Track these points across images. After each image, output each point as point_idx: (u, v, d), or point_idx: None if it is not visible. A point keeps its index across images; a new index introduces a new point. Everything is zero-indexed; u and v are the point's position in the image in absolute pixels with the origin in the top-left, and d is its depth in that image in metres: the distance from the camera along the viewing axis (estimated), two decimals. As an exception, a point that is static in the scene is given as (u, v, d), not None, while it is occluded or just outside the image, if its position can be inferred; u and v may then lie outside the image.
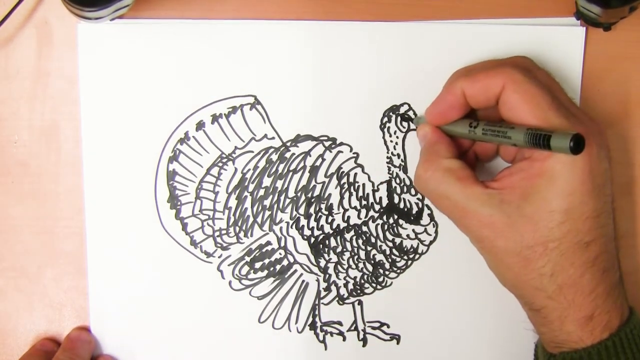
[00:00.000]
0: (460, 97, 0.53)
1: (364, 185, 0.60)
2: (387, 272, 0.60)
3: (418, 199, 0.59)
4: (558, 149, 0.46)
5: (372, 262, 0.60)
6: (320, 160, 0.59)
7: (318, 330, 0.61)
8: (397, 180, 0.59)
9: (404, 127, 0.59)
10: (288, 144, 0.59)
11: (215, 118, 0.59)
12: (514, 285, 0.52)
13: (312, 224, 0.60)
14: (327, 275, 0.60)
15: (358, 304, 0.61)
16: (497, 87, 0.51)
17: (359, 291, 0.60)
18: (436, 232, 0.60)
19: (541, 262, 0.50)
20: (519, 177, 0.50)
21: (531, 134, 0.48)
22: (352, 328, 0.61)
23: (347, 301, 0.61)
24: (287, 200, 0.60)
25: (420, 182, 0.54)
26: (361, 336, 0.61)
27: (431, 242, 0.60)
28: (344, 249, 0.60)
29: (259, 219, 0.60)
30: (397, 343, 0.61)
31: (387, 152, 0.59)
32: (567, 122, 0.49)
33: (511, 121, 0.51)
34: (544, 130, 0.47)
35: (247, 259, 0.60)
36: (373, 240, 0.60)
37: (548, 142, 0.46)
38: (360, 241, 0.60)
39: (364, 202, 0.60)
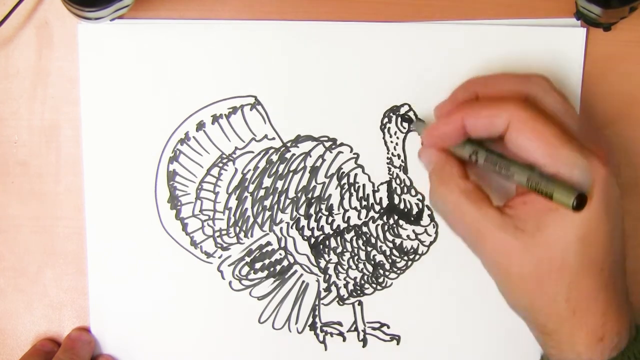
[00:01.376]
0: (460, 127, 0.52)
1: (364, 185, 0.60)
2: (387, 273, 0.60)
3: (418, 199, 0.59)
4: (560, 203, 0.47)
5: (372, 262, 0.60)
6: (320, 160, 0.59)
7: (318, 331, 0.61)
8: (398, 181, 0.59)
9: (404, 128, 0.59)
10: (288, 144, 0.59)
11: (215, 118, 0.59)
12: (527, 310, 0.52)
13: (313, 224, 0.60)
14: (327, 276, 0.60)
15: (358, 305, 0.61)
16: (501, 125, 0.50)
17: (359, 292, 0.60)
18: (436, 232, 0.60)
19: (557, 288, 0.50)
20: (533, 208, 0.50)
21: (533, 185, 0.48)
22: (352, 328, 0.61)
23: (347, 302, 0.61)
24: (288, 201, 0.60)
25: (436, 204, 0.53)
26: (361, 337, 0.61)
27: (431, 243, 0.60)
28: (344, 250, 0.60)
29: (259, 220, 0.60)
30: (397, 344, 0.61)
31: (388, 153, 0.59)
32: (581, 155, 0.49)
33: (519, 156, 0.50)
34: (545, 183, 0.48)
35: (247, 259, 0.60)
36: (373, 240, 0.60)
37: (550, 196, 0.47)
38: (360, 242, 0.60)
39: (364, 203, 0.60)
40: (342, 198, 0.60)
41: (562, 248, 0.49)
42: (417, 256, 0.60)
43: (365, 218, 0.60)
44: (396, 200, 0.59)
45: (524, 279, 0.50)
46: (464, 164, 0.54)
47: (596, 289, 0.50)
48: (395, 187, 0.59)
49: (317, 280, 0.60)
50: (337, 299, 0.61)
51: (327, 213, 0.60)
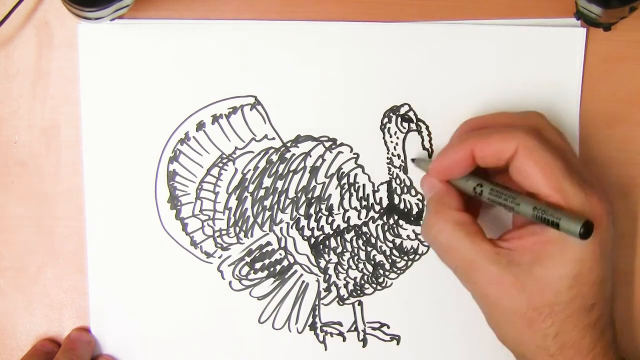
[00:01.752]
0: (469, 156, 0.52)
1: (364, 185, 0.60)
2: (387, 273, 0.60)
3: (418, 199, 0.59)
4: (566, 232, 0.47)
5: (372, 262, 0.60)
6: (320, 160, 0.59)
7: (318, 331, 0.61)
8: (398, 181, 0.59)
9: (404, 128, 0.59)
10: (288, 144, 0.59)
11: (215, 118, 0.59)
12: (515, 343, 0.53)
13: (313, 224, 0.60)
14: (327, 276, 0.60)
15: (358, 305, 0.61)
16: (509, 151, 0.50)
17: (359, 292, 0.60)
18: (436, 232, 0.60)
19: (546, 324, 0.50)
20: (529, 241, 0.50)
21: (539, 215, 0.48)
22: (352, 328, 0.61)
23: (347, 302, 0.61)
24: (288, 201, 0.60)
25: (429, 234, 0.53)
26: (361, 337, 0.61)
27: (431, 243, 0.60)
28: (344, 250, 0.60)
29: (259, 220, 0.60)
30: (397, 344, 0.61)
31: (388, 153, 0.59)
32: (581, 191, 0.49)
33: (523, 186, 0.51)
34: (552, 211, 0.47)
35: (247, 259, 0.60)
36: (373, 240, 0.60)
37: (557, 225, 0.47)
38: (360, 242, 0.60)
39: (364, 203, 0.60)
40: (342, 198, 0.60)
41: (555, 284, 0.49)
42: (417, 256, 0.60)
43: (365, 218, 0.60)
44: (396, 200, 0.59)
45: (515, 312, 0.51)
46: (463, 198, 0.54)
47: (585, 327, 0.50)
48: (395, 187, 0.59)
49: (317, 280, 0.60)
50: (337, 299, 0.61)
51: (327, 213, 0.60)
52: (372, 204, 0.60)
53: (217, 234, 0.60)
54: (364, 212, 0.60)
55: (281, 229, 0.60)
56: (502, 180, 0.53)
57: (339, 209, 0.60)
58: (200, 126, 0.59)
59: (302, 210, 0.60)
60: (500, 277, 0.50)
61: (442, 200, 0.54)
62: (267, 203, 0.60)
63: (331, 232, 0.60)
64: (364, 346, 0.61)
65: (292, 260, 0.60)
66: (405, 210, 0.59)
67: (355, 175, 0.59)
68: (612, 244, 0.52)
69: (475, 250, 0.51)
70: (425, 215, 0.55)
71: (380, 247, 0.60)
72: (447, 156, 0.54)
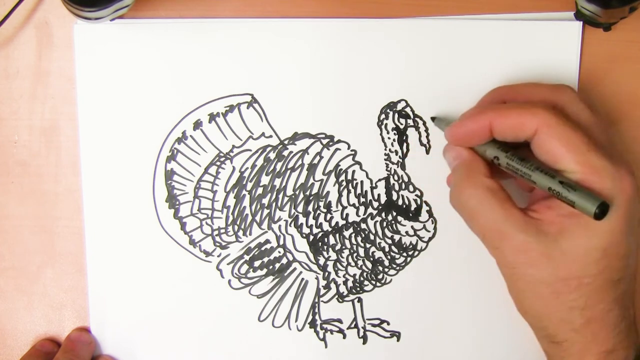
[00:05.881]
0: (486, 128, 0.52)
1: (362, 182, 0.60)
2: (386, 269, 0.60)
3: (416, 195, 0.59)
4: (581, 211, 0.47)
5: (372, 259, 0.60)
6: (318, 157, 0.59)
7: (318, 328, 0.60)
8: (396, 177, 0.59)
9: (401, 124, 0.59)
10: (286, 142, 0.59)
11: (212, 117, 0.59)
12: (539, 315, 0.52)
13: (311, 221, 0.60)
14: (327, 273, 0.60)
15: (358, 302, 0.60)
16: (530, 130, 0.50)
17: (358, 289, 0.60)
18: (435, 228, 0.60)
19: (573, 296, 0.49)
20: (557, 213, 0.50)
21: (555, 192, 0.48)
22: (352, 326, 0.60)
23: (346, 299, 0.60)
24: (286, 199, 0.60)
25: (458, 199, 0.52)
26: (361, 334, 0.60)
27: (430, 239, 0.60)
28: (343, 247, 0.60)
29: (257, 218, 0.60)
30: (398, 340, 0.60)
31: (385, 149, 0.59)
32: (610, 164, 0.48)
33: (548, 163, 0.50)
34: (567, 189, 0.47)
35: (246, 257, 0.60)
36: (372, 237, 0.60)
37: (572, 204, 0.47)
38: (359, 238, 0.60)
39: (362, 200, 0.60)
40: (340, 195, 0.60)
41: (583, 256, 0.49)
42: (416, 252, 0.60)
43: (363, 215, 0.60)
44: (394, 197, 0.59)
45: (541, 283, 0.50)
46: (489, 165, 0.53)
47: (612, 301, 0.50)
48: (394, 184, 0.59)
49: (317, 278, 0.60)
50: (336, 296, 0.60)
51: (325, 210, 0.60)
52: (370, 200, 0.60)
53: (216, 232, 0.60)
54: (362, 208, 0.60)
55: (280, 226, 0.60)
56: (524, 152, 0.52)
57: (337, 206, 0.60)
58: (197, 125, 0.59)
59: (300, 208, 0.60)
60: (528, 246, 0.49)
61: (471, 165, 0.53)
62: (265, 201, 0.60)
63: (330, 229, 0.60)
64: (364, 343, 0.60)
65: (291, 258, 0.60)
66: (404, 206, 0.59)
67: (353, 172, 0.60)
68: (637, 218, 0.51)
69: (505, 216, 0.50)
70: (455, 180, 0.53)
71: (379, 243, 0.60)
72: (464, 124, 0.53)
